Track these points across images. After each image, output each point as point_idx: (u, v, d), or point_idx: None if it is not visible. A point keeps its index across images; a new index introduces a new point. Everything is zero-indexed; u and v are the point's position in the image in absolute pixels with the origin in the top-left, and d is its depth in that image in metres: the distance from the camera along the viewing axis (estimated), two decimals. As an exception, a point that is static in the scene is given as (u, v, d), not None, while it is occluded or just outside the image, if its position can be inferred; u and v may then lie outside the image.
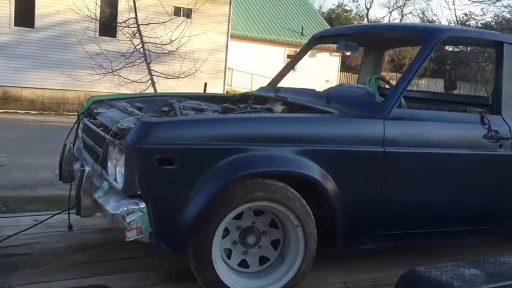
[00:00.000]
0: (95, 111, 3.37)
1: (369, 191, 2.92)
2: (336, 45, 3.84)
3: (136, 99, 3.70)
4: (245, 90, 20.90)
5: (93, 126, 3.12)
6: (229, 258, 2.73)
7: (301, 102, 3.28)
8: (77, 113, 3.67)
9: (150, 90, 7.41)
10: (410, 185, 3.00)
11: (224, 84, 16.69)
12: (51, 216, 3.39)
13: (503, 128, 3.30)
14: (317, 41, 4.24)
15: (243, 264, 2.77)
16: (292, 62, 4.45)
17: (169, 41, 7.69)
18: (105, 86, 12.89)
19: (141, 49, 7.43)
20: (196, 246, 2.54)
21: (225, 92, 16.16)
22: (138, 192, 2.44)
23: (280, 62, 24.02)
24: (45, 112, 14.14)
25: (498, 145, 3.27)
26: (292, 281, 2.72)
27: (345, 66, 29.95)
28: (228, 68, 19.77)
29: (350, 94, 3.32)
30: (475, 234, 3.41)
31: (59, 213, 3.39)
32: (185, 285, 2.83)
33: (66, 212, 3.30)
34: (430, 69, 29.79)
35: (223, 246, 2.71)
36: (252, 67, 22.14)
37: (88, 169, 2.68)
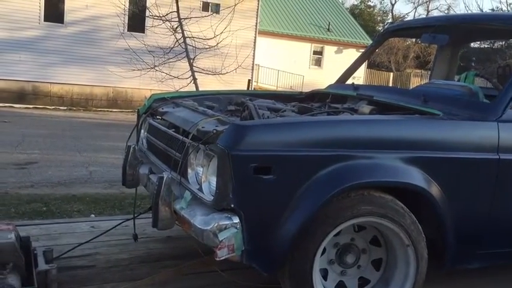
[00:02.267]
0: (160, 110, 3.05)
1: (480, 204, 2.55)
2: (419, 38, 3.46)
3: (201, 97, 3.38)
4: (272, 87, 20.64)
5: (163, 127, 2.81)
6: (325, 280, 2.40)
7: (392, 102, 2.92)
8: (136, 112, 3.36)
9: (191, 87, 7.10)
10: None
11: (252, 80, 16.37)
12: (116, 226, 3.10)
13: None
14: (391, 34, 3.87)
15: (341, 286, 2.43)
16: (362, 58, 4.08)
17: (211, 36, 7.34)
18: (135, 83, 12.68)
19: (183, 44, 7.10)
20: (294, 267, 2.22)
21: (253, 89, 15.85)
22: (232, 206, 2.12)
23: (306, 58, 23.63)
24: (74, 108, 14.00)
25: None
26: None
27: (369, 63, 29.39)
28: (255, 64, 19.46)
29: (450, 93, 2.95)
30: None
31: (124, 222, 3.10)
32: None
33: (130, 220, 3.03)
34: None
35: (320, 266, 2.38)
36: (278, 63, 21.76)
37: (167, 176, 2.37)
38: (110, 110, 14.44)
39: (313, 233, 2.19)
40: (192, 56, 7.40)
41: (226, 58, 9.53)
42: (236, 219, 2.12)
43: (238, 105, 3.19)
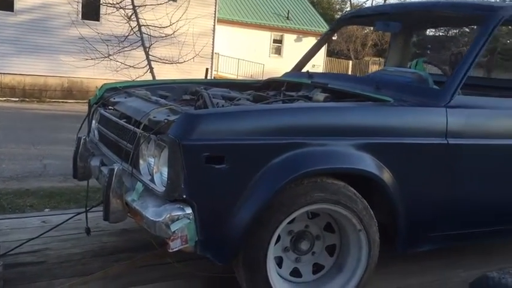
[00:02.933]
0: (112, 100, 2.97)
1: (431, 188, 2.61)
2: (372, 26, 3.49)
3: (155, 86, 3.31)
4: (232, 76, 20.48)
5: (114, 118, 2.73)
6: (280, 267, 2.40)
7: (346, 89, 2.94)
8: (88, 103, 3.26)
9: (148, 76, 6.95)
10: (474, 180, 2.70)
11: (211, 69, 16.21)
12: (67, 220, 3.00)
13: None
14: (346, 22, 3.89)
15: (295, 273, 2.44)
16: (317, 45, 4.08)
17: (167, 25, 7.18)
18: (90, 73, 12.35)
19: (138, 32, 6.93)
20: (248, 256, 2.20)
21: (213, 78, 15.70)
22: (184, 196, 2.08)
23: (266, 47, 23.59)
24: (27, 99, 13.53)
25: None
26: None
27: (329, 52, 29.64)
28: (215, 53, 19.28)
29: (401, 79, 2.99)
30: None
31: (75, 215, 3.01)
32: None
33: (82, 213, 2.95)
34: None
35: (274, 254, 2.38)
36: (238, 52, 21.65)
37: (118, 168, 2.31)
38: (65, 100, 14.03)
39: (267, 221, 2.18)
40: (147, 45, 7.25)
41: (184, 47, 9.39)
42: (189, 210, 2.09)
43: (193, 94, 3.14)
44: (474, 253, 3.28)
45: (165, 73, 8.35)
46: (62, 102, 13.87)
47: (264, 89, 3.55)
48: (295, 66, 3.95)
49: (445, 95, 2.66)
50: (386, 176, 2.42)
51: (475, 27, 2.93)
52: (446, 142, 2.59)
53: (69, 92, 14.25)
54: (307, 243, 2.43)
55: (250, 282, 2.24)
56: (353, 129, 2.39)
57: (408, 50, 4.04)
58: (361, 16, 3.88)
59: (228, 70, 21.56)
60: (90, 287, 2.52)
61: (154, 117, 2.30)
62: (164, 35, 7.28)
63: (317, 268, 2.49)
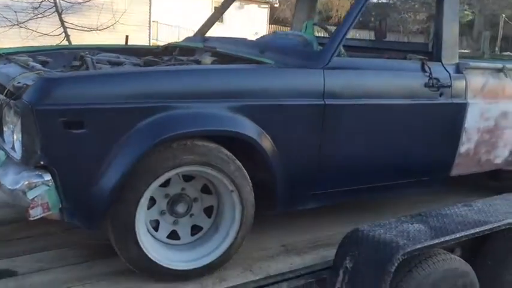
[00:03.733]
0: None
1: (309, 148, 2.68)
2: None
3: (42, 52, 3.19)
4: (172, 44, 20.11)
5: None
6: (156, 230, 2.42)
7: (233, 53, 2.94)
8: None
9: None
10: (351, 139, 2.79)
11: (149, 37, 15.83)
12: None
13: (443, 75, 3.15)
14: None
15: (174, 235, 2.47)
16: (220, 10, 4.05)
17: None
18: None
19: (51, -3, 6.62)
20: (116, 220, 2.20)
21: (150, 45, 15.33)
22: (42, 163, 2.04)
23: (207, 14, 23.16)
24: None
25: (438, 93, 3.12)
26: (228, 251, 2.45)
27: (273, 19, 29.52)
28: (153, 21, 18.81)
29: (286, 43, 3.01)
30: (417, 186, 3.30)
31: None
32: (107, 263, 2.49)
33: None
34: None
35: (150, 218, 2.39)
36: (178, 20, 21.18)
37: None
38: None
39: (133, 185, 2.18)
40: (71, 11, 6.94)
41: (119, 14, 9.06)
42: (48, 177, 2.05)
43: (80, 59, 3.05)
44: (366, 208, 3.41)
45: (101, 41, 8.00)
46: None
47: (162, 55, 3.50)
48: (197, 31, 3.91)
49: (323, 57, 2.70)
50: (262, 137, 2.45)
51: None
52: (323, 103, 2.64)
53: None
54: (184, 206, 2.45)
55: (121, 247, 2.25)
56: (228, 92, 2.40)
57: (306, 14, 4.07)
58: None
59: (168, 38, 21.08)
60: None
61: (18, 82, 2.22)
62: (81, 1, 6.99)
63: (197, 230, 2.52)
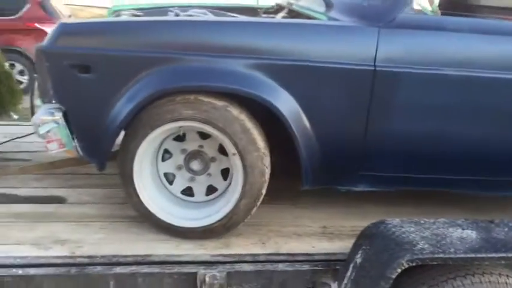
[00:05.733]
0: None
1: (351, 121, 2.29)
2: None
3: (147, 10, 3.42)
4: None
5: None
6: (171, 184, 2.42)
7: (303, 10, 2.67)
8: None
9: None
10: (413, 115, 2.27)
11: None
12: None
13: None
14: None
15: (190, 191, 2.43)
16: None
17: None
18: None
19: None
20: (120, 167, 2.27)
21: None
22: (53, 102, 2.22)
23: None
24: None
25: None
26: (229, 217, 2.27)
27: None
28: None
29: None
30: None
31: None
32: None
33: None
34: None
35: (165, 170, 2.40)
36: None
37: None
38: None
39: (133, 134, 2.20)
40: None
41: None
42: (58, 115, 2.22)
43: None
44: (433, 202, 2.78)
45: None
46: None
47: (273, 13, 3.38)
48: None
49: (382, 13, 2.25)
50: (284, 102, 2.20)
51: None
52: (373, 68, 2.22)
53: None
54: (201, 163, 2.38)
55: (125, 191, 2.32)
56: (242, 48, 2.19)
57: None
58: None
59: None
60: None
61: None
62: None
63: (214, 190, 2.44)
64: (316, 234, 2.48)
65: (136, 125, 2.19)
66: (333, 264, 2.23)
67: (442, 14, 2.81)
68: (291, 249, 2.31)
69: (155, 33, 2.21)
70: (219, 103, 2.17)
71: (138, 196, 2.27)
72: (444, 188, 2.47)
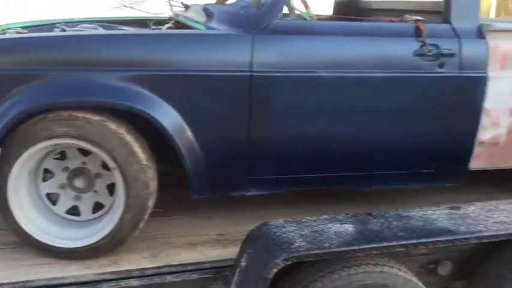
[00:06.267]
0: None
1: (232, 126, 2.32)
2: None
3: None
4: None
5: None
6: (54, 205, 2.34)
7: (186, 21, 2.69)
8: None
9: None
10: (291, 118, 2.34)
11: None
12: None
13: (448, 41, 2.47)
14: None
15: (76, 210, 2.37)
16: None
17: None
18: None
19: None
20: (-4, 189, 2.18)
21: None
22: None
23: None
24: None
25: (437, 64, 2.46)
26: (114, 233, 2.22)
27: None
28: None
29: (236, 7, 2.65)
30: (413, 179, 2.67)
31: None
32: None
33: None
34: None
35: (48, 190, 2.33)
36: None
37: None
38: None
39: (6, 154, 2.12)
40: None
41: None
42: None
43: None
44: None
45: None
46: None
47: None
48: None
49: (256, 20, 2.31)
50: (163, 112, 2.19)
51: None
52: (250, 74, 2.26)
53: None
54: (85, 181, 2.32)
55: (2, 217, 2.21)
56: (116, 61, 2.17)
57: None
58: None
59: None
60: None
61: None
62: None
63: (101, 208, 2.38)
64: (211, 242, 2.48)
65: (9, 144, 2.11)
66: (222, 271, 2.23)
67: (335, 18, 2.92)
68: (183, 260, 2.29)
69: (24, 51, 2.16)
70: (95, 118, 2.13)
71: (14, 218, 2.18)
72: (332, 185, 2.54)
